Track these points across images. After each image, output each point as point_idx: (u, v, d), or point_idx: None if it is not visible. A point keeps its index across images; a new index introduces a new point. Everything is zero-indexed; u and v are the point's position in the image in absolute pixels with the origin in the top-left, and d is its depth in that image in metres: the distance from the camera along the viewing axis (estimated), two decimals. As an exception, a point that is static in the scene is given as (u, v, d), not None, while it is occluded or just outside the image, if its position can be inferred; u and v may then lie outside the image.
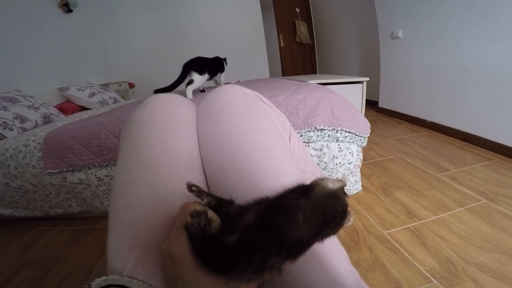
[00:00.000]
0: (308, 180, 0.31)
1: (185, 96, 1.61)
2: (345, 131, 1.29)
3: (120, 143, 0.52)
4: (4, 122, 1.58)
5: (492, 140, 1.84)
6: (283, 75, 4.67)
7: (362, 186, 1.47)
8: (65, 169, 1.29)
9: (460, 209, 1.22)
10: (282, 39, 4.57)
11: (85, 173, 1.31)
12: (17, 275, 1.14)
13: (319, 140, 1.31)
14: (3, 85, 2.09)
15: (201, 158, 0.49)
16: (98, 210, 1.46)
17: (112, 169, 1.30)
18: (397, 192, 1.40)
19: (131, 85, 4.02)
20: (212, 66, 1.90)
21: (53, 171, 1.29)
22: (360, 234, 1.13)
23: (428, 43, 2.37)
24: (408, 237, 1.07)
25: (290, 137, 0.60)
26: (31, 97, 1.99)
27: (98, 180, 1.32)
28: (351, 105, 1.35)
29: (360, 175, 1.47)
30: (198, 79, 1.74)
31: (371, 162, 1.78)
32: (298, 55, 4.95)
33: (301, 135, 1.29)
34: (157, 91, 1.76)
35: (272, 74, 4.88)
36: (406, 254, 0.98)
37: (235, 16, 4.23)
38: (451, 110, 2.21)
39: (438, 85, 2.34)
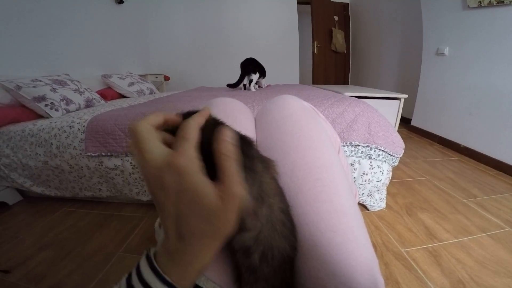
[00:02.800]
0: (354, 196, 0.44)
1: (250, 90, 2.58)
2: (379, 149, 1.39)
3: None
4: (51, 103, 1.83)
5: (528, 172, 1.91)
6: (313, 83, 4.80)
7: (387, 204, 1.58)
8: (103, 154, 1.49)
9: (482, 234, 1.33)
10: (317, 46, 4.69)
11: (121, 159, 1.51)
12: (37, 255, 1.27)
13: (352, 156, 1.42)
14: (55, 67, 2.42)
15: None
16: (125, 197, 1.65)
17: (147, 159, 1.48)
18: (420, 213, 1.52)
19: (166, 78, 4.45)
20: (259, 68, 2.68)
21: (93, 154, 1.49)
22: (378, 250, 1.24)
23: (477, 64, 2.40)
24: (425, 257, 1.19)
25: (339, 151, 0.69)
26: (78, 81, 2.27)
27: (132, 168, 1.51)
28: (389, 123, 1.44)
29: (386, 193, 1.58)
30: (255, 78, 2.60)
31: (398, 182, 1.90)
32: (331, 63, 5.07)
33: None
34: (229, 85, 2.74)
35: (302, 81, 5.05)
36: (420, 272, 1.10)
37: (272, 20, 4.54)
38: (489, 137, 2.27)
39: (479, 109, 2.39)
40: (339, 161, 0.54)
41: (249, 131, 0.59)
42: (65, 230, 1.47)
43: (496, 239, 1.29)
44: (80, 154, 1.52)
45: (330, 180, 0.47)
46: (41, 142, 1.56)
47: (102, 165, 1.53)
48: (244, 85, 2.65)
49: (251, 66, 2.59)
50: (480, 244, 1.26)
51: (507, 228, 1.37)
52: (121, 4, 3.60)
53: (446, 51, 2.74)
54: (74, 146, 1.52)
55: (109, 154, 1.49)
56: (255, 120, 0.67)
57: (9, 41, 2.07)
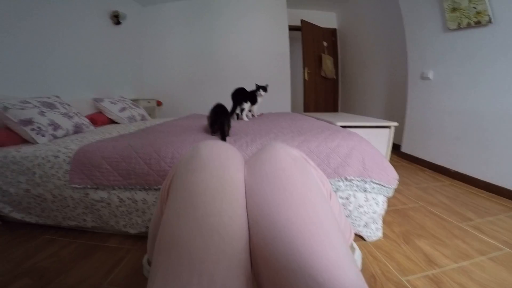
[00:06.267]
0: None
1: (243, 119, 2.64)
2: (374, 182, 1.39)
3: (170, 187, 0.61)
4: (38, 127, 1.78)
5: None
6: (304, 110, 4.86)
7: (383, 233, 1.55)
8: (89, 186, 1.44)
9: (482, 257, 1.31)
10: (308, 72, 4.78)
11: (108, 192, 1.46)
12: (11, 284, 1.17)
13: (347, 189, 1.42)
14: (45, 88, 2.39)
15: (247, 217, 0.57)
16: (111, 228, 1.57)
17: (136, 193, 1.44)
18: (418, 240, 1.49)
19: (159, 103, 4.46)
20: (250, 97, 2.72)
21: (78, 186, 1.44)
22: (378, 280, 1.20)
23: (461, 87, 2.44)
24: (426, 284, 1.15)
25: (330, 196, 0.71)
26: (68, 105, 2.24)
27: (119, 201, 1.46)
28: (382, 156, 1.45)
29: (381, 222, 1.55)
30: (246, 107, 2.66)
31: (392, 210, 1.87)
32: (322, 89, 5.16)
33: (330, 184, 1.39)
34: None
35: (294, 107, 5.10)
36: (423, 301, 1.06)
37: (264, 47, 4.63)
38: (478, 160, 2.29)
39: (466, 133, 2.42)
40: (331, 212, 0.57)
41: (240, 183, 0.62)
42: (45, 259, 1.37)
43: (497, 261, 1.27)
44: (65, 184, 1.47)
45: (324, 234, 0.50)
46: (24, 170, 1.51)
47: (87, 197, 1.47)
48: (237, 114, 2.70)
49: (241, 96, 2.65)
50: (481, 267, 1.24)
51: (506, 249, 1.37)
52: (119, 26, 3.59)
53: (430, 75, 2.78)
54: (59, 177, 1.47)
55: (95, 186, 1.44)
56: (247, 165, 0.69)
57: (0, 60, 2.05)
